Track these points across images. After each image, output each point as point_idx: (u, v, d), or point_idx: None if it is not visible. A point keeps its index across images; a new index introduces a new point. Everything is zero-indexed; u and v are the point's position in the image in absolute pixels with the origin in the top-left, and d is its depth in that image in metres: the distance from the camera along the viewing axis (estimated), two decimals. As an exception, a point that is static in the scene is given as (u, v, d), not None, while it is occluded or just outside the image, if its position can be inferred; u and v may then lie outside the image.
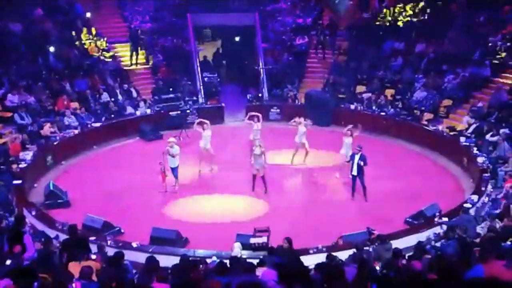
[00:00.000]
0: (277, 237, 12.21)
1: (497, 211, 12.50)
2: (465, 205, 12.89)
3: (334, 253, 10.38)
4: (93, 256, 9.59)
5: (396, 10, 23.63)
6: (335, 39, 24.43)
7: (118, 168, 17.09)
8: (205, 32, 29.04)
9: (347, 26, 24.92)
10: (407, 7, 23.35)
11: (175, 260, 9.57)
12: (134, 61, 23.23)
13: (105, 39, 22.66)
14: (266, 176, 15.16)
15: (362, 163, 14.32)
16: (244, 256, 10.72)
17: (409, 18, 23.19)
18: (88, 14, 23.58)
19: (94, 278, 8.03)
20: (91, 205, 14.26)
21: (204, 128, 16.37)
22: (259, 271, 7.84)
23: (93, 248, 10.19)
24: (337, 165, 16.21)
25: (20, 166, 15.38)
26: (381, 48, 23.16)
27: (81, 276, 7.54)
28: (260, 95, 22.65)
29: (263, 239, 11.65)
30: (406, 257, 9.97)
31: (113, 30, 24.27)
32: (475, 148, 16.31)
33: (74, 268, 8.10)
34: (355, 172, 14.53)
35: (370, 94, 21.22)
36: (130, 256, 10.39)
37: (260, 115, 17.51)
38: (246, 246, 11.45)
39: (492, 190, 14.24)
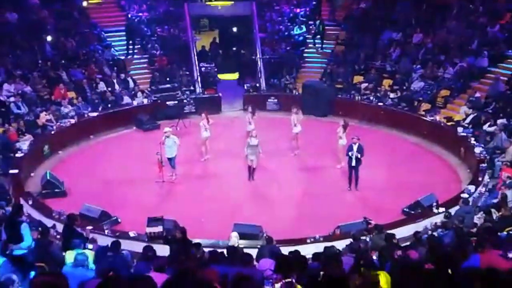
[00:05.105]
0: (275, 226, 12.27)
1: (494, 201, 12.52)
2: (462, 195, 12.91)
3: (331, 243, 10.40)
4: (90, 246, 9.60)
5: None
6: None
7: (115, 157, 17.04)
8: (202, 21, 28.91)
9: (345, 16, 24.86)
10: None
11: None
12: (131, 51, 23.13)
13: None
14: (263, 166, 15.17)
15: (359, 155, 14.29)
16: (241, 246, 10.73)
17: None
18: (85, 3, 23.44)
19: (91, 265, 8.07)
20: (88, 195, 14.23)
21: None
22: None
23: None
24: (336, 156, 16.18)
25: (17, 155, 15.35)
26: (379, 38, 23.10)
27: (76, 263, 7.56)
28: (257, 85, 22.59)
29: (159, 228, 11.52)
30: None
31: (110, 19, 24.15)
32: (472, 139, 16.31)
33: (70, 257, 8.11)
34: (353, 163, 14.51)
35: (367, 84, 21.19)
36: (127, 245, 10.39)
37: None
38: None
39: (489, 180, 14.26)
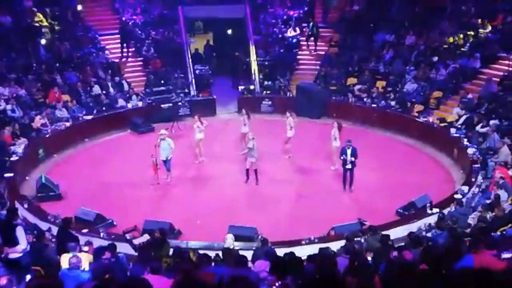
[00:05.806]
0: (270, 228, 12.32)
1: (487, 201, 12.60)
2: (455, 196, 12.99)
3: (326, 244, 10.45)
4: (86, 248, 9.62)
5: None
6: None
7: (110, 161, 17.06)
8: (196, 24, 28.94)
9: (339, 18, 24.96)
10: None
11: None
12: (125, 54, 23.15)
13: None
14: (258, 168, 15.23)
15: (353, 159, 14.38)
16: (236, 247, 10.77)
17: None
18: (79, 7, 23.43)
19: (86, 268, 8.09)
20: (83, 198, 14.25)
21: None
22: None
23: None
24: (330, 157, 16.24)
25: (12, 159, 15.33)
26: (372, 40, 23.20)
27: (70, 266, 7.59)
28: (251, 87, 22.64)
29: (146, 237, 11.36)
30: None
31: (104, 22, 24.14)
32: (465, 140, 16.41)
33: (65, 260, 8.14)
34: (349, 166, 14.56)
35: (361, 86, 21.27)
36: (123, 248, 10.41)
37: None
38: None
39: (482, 181, 14.34)
